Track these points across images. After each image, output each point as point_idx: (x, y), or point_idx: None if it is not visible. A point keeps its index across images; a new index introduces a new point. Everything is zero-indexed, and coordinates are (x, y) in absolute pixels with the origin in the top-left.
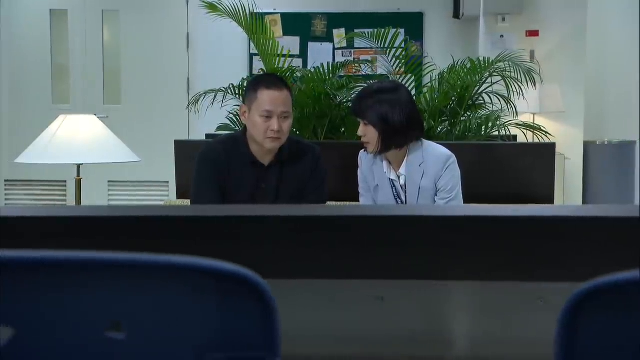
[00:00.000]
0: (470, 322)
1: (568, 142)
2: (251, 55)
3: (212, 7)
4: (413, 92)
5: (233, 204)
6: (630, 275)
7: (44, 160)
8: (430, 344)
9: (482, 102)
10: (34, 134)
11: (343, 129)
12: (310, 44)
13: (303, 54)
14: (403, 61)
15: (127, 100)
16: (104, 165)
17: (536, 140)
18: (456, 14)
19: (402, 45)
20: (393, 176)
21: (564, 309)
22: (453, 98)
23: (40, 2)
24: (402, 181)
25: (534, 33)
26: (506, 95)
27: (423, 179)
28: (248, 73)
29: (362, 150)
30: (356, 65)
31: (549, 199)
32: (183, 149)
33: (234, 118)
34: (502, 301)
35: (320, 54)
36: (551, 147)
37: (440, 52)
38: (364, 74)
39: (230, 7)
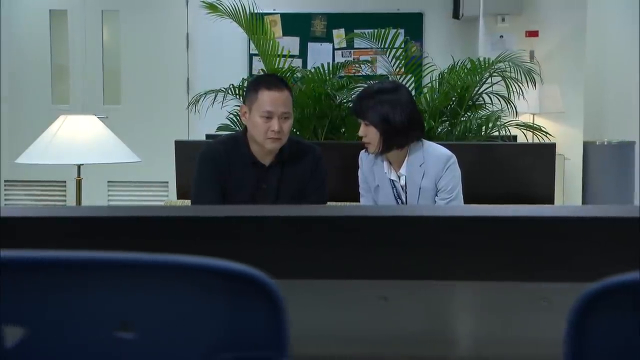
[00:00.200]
0: (474, 322)
1: (567, 143)
2: (251, 56)
3: (212, 8)
4: (413, 93)
5: (233, 205)
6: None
7: (44, 160)
8: (434, 344)
9: (482, 102)
10: (34, 135)
11: (343, 130)
12: (310, 44)
13: (303, 54)
14: (403, 62)
15: (127, 101)
16: (104, 166)
17: (536, 141)
18: (456, 15)
19: (402, 46)
20: (393, 176)
21: (573, 308)
22: (453, 98)
23: (39, 3)
24: (402, 181)
25: (533, 33)
26: (506, 95)
27: (423, 180)
28: (248, 73)
29: (363, 150)
30: (356, 65)
31: (549, 199)
32: (183, 149)
33: (234, 118)
34: (505, 301)
35: (319, 54)
36: (551, 147)
37: (439, 53)
38: (364, 74)
39: (230, 8)
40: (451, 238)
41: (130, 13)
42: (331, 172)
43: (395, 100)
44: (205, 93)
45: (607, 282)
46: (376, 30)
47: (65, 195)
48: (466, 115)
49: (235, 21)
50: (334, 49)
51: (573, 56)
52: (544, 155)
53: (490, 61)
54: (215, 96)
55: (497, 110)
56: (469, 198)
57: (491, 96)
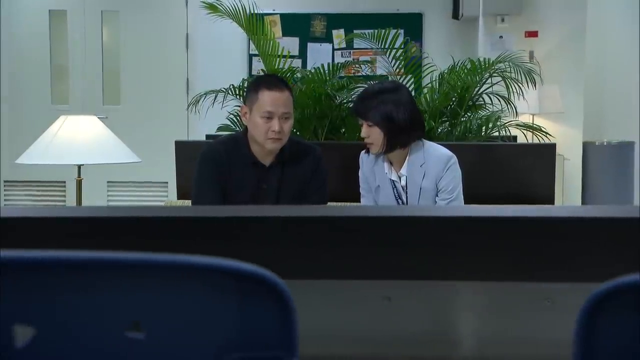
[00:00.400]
0: (477, 322)
1: (567, 143)
2: (250, 56)
3: (212, 8)
4: (413, 93)
5: (234, 205)
6: None
7: (45, 160)
8: (437, 344)
9: (482, 102)
10: (33, 135)
11: (343, 130)
12: (310, 45)
13: (302, 54)
14: (403, 62)
15: (127, 101)
16: (104, 166)
17: (535, 141)
18: (455, 15)
19: (402, 46)
20: (394, 177)
21: (583, 309)
22: (453, 99)
23: (39, 3)
24: (403, 182)
25: (533, 34)
26: (506, 95)
27: (424, 180)
28: (247, 74)
29: (363, 151)
30: (356, 66)
31: (549, 200)
32: (183, 149)
33: (234, 119)
34: (509, 301)
35: (319, 55)
36: (551, 147)
37: (439, 53)
38: (364, 74)
39: (230, 8)
40: (454, 238)
41: (130, 13)
42: (331, 173)
43: (397, 100)
44: (205, 93)
45: (616, 282)
46: (376, 31)
47: (64, 196)
48: (466, 115)
49: (235, 21)
50: (333, 49)
51: (573, 56)
52: (544, 155)
53: (491, 61)
54: (216, 96)
55: (497, 111)
56: (469, 198)
57: (491, 96)
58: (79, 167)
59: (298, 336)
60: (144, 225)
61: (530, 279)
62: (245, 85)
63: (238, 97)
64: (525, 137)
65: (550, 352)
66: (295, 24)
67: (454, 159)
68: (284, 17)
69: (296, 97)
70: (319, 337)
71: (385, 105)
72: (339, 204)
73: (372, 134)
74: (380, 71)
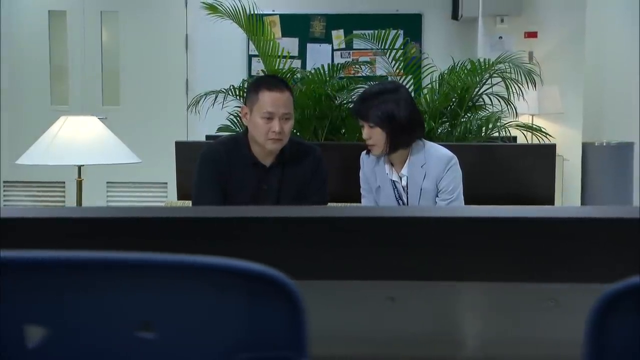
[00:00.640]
0: (481, 323)
1: (566, 143)
2: (250, 57)
3: (213, 9)
4: (412, 94)
5: (234, 205)
6: None
7: (45, 161)
8: (441, 344)
9: (482, 103)
10: (33, 135)
11: (343, 130)
12: (309, 45)
13: (302, 55)
14: (403, 63)
15: (126, 102)
16: (103, 167)
17: (535, 141)
18: (455, 15)
19: (402, 47)
20: (395, 177)
21: (593, 309)
22: (453, 99)
23: (38, 3)
24: (404, 182)
25: (532, 34)
26: (506, 96)
27: (425, 180)
28: (247, 74)
29: (364, 152)
30: (356, 66)
31: (549, 200)
32: (184, 150)
33: (234, 119)
34: (512, 302)
35: (319, 55)
36: (551, 148)
37: (438, 54)
38: (364, 75)
39: (230, 8)
40: (458, 239)
41: (130, 14)
42: (331, 173)
43: (398, 99)
44: (205, 94)
45: (627, 282)
46: (376, 31)
47: (64, 196)
48: (466, 116)
49: (236, 22)
50: (332, 50)
51: (572, 57)
52: (544, 156)
53: (490, 62)
54: (216, 97)
55: (497, 111)
56: (469, 199)
57: (491, 97)
58: (79, 167)
59: (308, 336)
60: (144, 225)
61: (534, 280)
62: (246, 85)
63: (238, 97)
64: (525, 137)
65: (554, 353)
66: (294, 24)
67: (455, 159)
68: (283, 17)
69: (296, 98)
70: (322, 337)
71: (386, 106)
72: (339, 204)
73: (373, 135)
74: (380, 72)
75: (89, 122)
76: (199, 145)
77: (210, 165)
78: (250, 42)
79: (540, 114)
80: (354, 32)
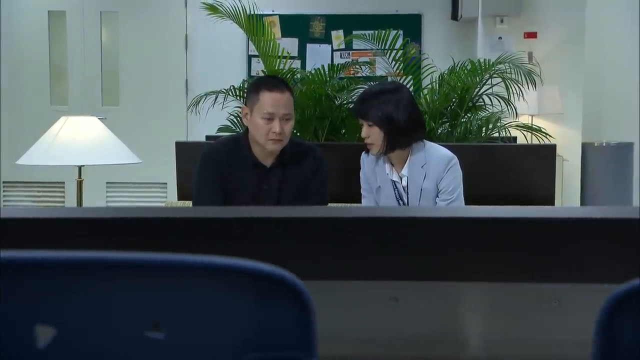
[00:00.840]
0: (485, 323)
1: (566, 144)
2: (249, 57)
3: (213, 9)
4: (413, 93)
5: (235, 206)
6: None
7: (46, 161)
8: (444, 344)
9: (482, 103)
10: (32, 135)
11: (344, 131)
12: (309, 46)
13: (301, 55)
14: (402, 64)
15: (126, 102)
16: (103, 167)
17: (535, 142)
18: (454, 16)
19: (402, 48)
20: (395, 177)
21: (603, 308)
22: (453, 99)
23: (38, 4)
24: (404, 182)
25: (532, 35)
26: (506, 96)
27: (425, 181)
28: (246, 75)
29: (364, 152)
30: (356, 67)
31: (550, 201)
32: (184, 150)
33: (234, 120)
34: (516, 302)
35: (318, 55)
36: (551, 148)
37: (438, 54)
38: (364, 75)
39: (230, 9)
40: (461, 239)
41: (129, 14)
42: (332, 173)
43: (398, 100)
44: (205, 94)
45: (637, 282)
46: (376, 32)
47: (63, 197)
48: (466, 116)
49: (236, 22)
50: (332, 50)
51: (572, 57)
52: (544, 156)
53: (491, 62)
54: (216, 97)
55: (497, 112)
56: (469, 199)
57: (491, 97)
58: (80, 168)
59: (317, 337)
60: (145, 226)
61: (537, 280)
62: (246, 86)
63: (238, 98)
64: (526, 138)
65: (558, 353)
66: (294, 24)
67: (455, 159)
68: (283, 18)
69: (296, 98)
70: (325, 337)
71: (386, 106)
72: (340, 204)
73: (372, 134)
74: (380, 72)
75: (90, 123)
76: (199, 145)
77: (210, 165)
78: (249, 42)
79: (539, 114)
80: (354, 32)
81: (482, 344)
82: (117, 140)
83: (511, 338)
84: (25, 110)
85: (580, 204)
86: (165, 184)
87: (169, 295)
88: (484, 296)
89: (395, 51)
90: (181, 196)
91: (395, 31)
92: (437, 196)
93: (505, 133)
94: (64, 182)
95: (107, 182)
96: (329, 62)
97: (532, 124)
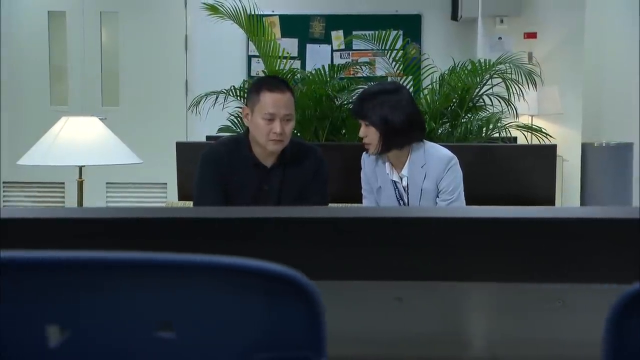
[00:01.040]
0: (489, 323)
1: (566, 144)
2: (249, 57)
3: (214, 9)
4: (413, 94)
5: (236, 206)
6: None
7: (47, 162)
8: (448, 344)
9: (483, 103)
10: (32, 136)
11: (344, 131)
12: (309, 46)
13: (301, 55)
14: (402, 64)
15: (125, 102)
16: (103, 167)
17: (535, 142)
18: (454, 16)
19: (402, 48)
20: (395, 178)
21: (614, 307)
22: (454, 100)
23: (38, 4)
24: (404, 182)
25: (532, 35)
26: (506, 97)
27: (425, 181)
28: (246, 75)
29: (365, 152)
30: (356, 67)
31: (550, 201)
32: (184, 150)
33: (235, 120)
34: (520, 302)
35: (318, 56)
36: (552, 148)
37: (438, 54)
38: (364, 75)
39: (231, 9)
40: (465, 239)
41: (129, 14)
42: (332, 173)
43: (396, 101)
44: (206, 95)
45: None
46: (377, 32)
47: (63, 197)
48: (467, 116)
49: (236, 23)
50: (332, 51)
51: (571, 58)
52: (545, 156)
53: (491, 63)
54: (217, 98)
55: (498, 112)
56: (469, 199)
57: (491, 98)
58: (80, 168)
59: (327, 337)
60: (146, 226)
61: (542, 280)
62: (246, 86)
63: (239, 98)
64: (526, 138)
65: (562, 353)
66: (294, 25)
67: (455, 159)
68: (282, 18)
69: (297, 99)
70: (329, 337)
71: (383, 107)
72: (340, 205)
73: (369, 134)
74: (380, 72)
75: (91, 123)
76: (200, 145)
77: (211, 165)
78: (249, 42)
79: (539, 115)
80: (354, 32)
81: (485, 344)
82: (117, 141)
83: (515, 338)
84: (25, 110)
85: (580, 204)
86: (165, 184)
87: (179, 295)
88: (488, 296)
89: (396, 51)
90: (182, 196)
91: (396, 31)
92: (438, 196)
93: (506, 133)
94: (63, 183)
95: (106, 183)
96: (329, 62)
97: (532, 124)
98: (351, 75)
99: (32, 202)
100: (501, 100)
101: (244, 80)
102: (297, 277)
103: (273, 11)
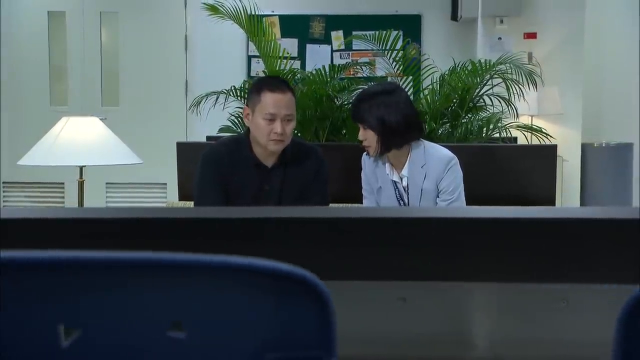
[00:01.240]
0: (492, 324)
1: (566, 144)
2: (249, 57)
3: (214, 9)
4: (413, 95)
5: (237, 206)
6: None
7: (47, 162)
8: (452, 344)
9: (483, 104)
10: (32, 136)
11: (344, 131)
12: (309, 46)
13: (301, 55)
14: (402, 65)
15: (125, 102)
16: (102, 167)
17: (535, 142)
18: (454, 16)
19: (402, 48)
20: (396, 178)
21: (624, 307)
22: (454, 100)
23: (38, 4)
24: (404, 183)
25: (531, 35)
26: (506, 97)
27: (425, 181)
28: (246, 75)
29: (365, 153)
30: (356, 67)
31: (550, 201)
32: (185, 150)
33: (235, 120)
34: (524, 302)
35: (318, 56)
36: (552, 148)
37: (438, 54)
38: (365, 75)
39: (231, 9)
40: (469, 240)
41: (129, 14)
42: (332, 174)
43: (391, 102)
44: (206, 95)
45: None
46: (377, 32)
47: (63, 197)
48: (467, 116)
49: (236, 23)
50: (332, 51)
51: (571, 58)
52: (545, 156)
53: (491, 63)
54: (217, 98)
55: (498, 112)
56: (469, 199)
57: (492, 98)
58: (81, 168)
59: (337, 337)
60: (146, 226)
61: (546, 280)
62: (246, 86)
63: (239, 98)
64: (526, 138)
65: (566, 353)
66: (294, 25)
67: (455, 160)
68: (282, 18)
69: (297, 99)
70: None
71: (378, 108)
72: (340, 205)
73: (368, 137)
74: (380, 72)
75: (91, 123)
76: (200, 146)
77: (211, 165)
78: (249, 43)
79: (539, 115)
80: (354, 33)
81: (489, 344)
82: (117, 141)
83: (518, 338)
84: (25, 110)
85: (580, 205)
86: (165, 184)
87: (188, 295)
88: (492, 296)
89: (396, 52)
90: (182, 197)
91: (396, 32)
92: (438, 196)
93: (506, 133)
94: (63, 183)
95: (106, 183)
96: (329, 62)
97: (532, 125)
98: (351, 76)
99: (32, 203)
100: (501, 101)
101: (244, 80)
102: (307, 277)
103: (273, 11)
